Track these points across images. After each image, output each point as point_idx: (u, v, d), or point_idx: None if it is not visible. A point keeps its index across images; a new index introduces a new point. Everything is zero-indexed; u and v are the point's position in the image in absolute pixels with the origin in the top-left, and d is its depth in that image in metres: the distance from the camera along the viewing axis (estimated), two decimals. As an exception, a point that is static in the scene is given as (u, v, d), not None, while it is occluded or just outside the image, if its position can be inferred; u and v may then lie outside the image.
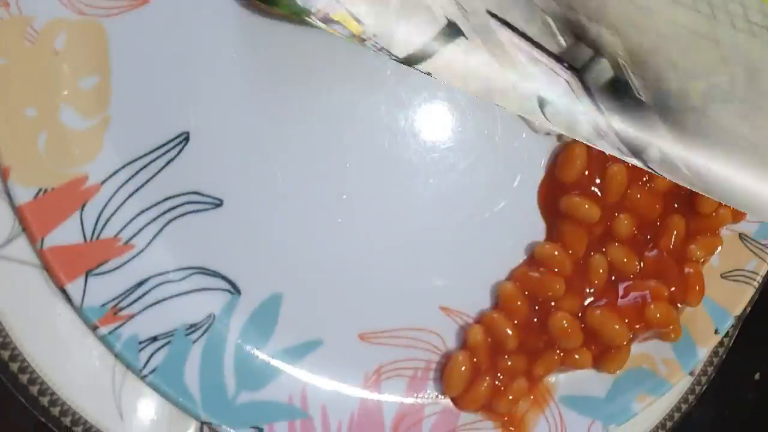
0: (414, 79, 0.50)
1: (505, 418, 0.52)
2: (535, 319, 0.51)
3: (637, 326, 0.52)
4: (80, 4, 0.45)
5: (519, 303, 0.51)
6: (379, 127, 0.50)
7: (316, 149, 0.49)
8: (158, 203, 0.47)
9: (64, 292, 0.45)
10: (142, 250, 0.47)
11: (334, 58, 0.49)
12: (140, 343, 0.46)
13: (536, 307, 0.51)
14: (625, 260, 0.52)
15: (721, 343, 0.56)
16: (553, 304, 0.51)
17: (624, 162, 0.51)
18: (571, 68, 0.44)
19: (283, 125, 0.48)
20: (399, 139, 0.50)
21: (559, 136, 0.52)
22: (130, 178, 0.47)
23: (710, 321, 0.55)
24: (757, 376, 0.60)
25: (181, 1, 0.46)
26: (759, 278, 0.55)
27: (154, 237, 0.47)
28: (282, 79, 0.48)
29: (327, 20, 0.41)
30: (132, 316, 0.46)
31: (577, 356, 0.52)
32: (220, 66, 0.47)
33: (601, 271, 0.52)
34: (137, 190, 0.47)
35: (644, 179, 0.52)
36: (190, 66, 0.47)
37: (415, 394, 0.51)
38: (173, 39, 0.46)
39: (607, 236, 0.52)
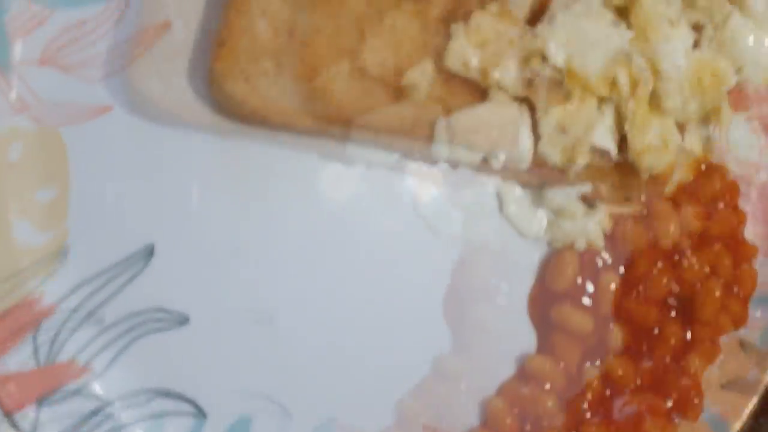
0: (393, 188, 0.47)
1: None
2: (526, 438, 0.48)
3: (634, 443, 0.49)
4: (37, 112, 0.43)
5: (508, 421, 0.48)
6: (356, 237, 0.47)
7: (286, 263, 0.46)
8: (120, 322, 0.44)
9: (14, 424, 0.42)
10: (100, 374, 0.43)
11: (304, 170, 0.46)
12: (98, 477, 0.43)
13: (527, 426, 0.48)
14: (621, 373, 0.49)
15: (721, 454, 0.53)
16: (545, 421, 0.48)
17: (617, 271, 0.49)
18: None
19: (252, 237, 0.46)
20: (376, 248, 0.47)
21: (550, 242, 0.50)
22: (89, 296, 0.43)
23: (710, 434, 0.52)
24: (759, 481, 0.57)
25: (144, 109, 0.44)
26: (761, 388, 0.53)
27: (114, 359, 0.44)
28: (250, 190, 0.46)
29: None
30: (89, 448, 0.43)
31: (570, 477, 0.49)
32: (186, 175, 0.45)
33: (595, 384, 0.49)
34: (97, 308, 0.44)
35: (639, 288, 0.50)
36: (155, 176, 0.44)
37: None
38: (136, 148, 0.44)
39: (601, 347, 0.50)
